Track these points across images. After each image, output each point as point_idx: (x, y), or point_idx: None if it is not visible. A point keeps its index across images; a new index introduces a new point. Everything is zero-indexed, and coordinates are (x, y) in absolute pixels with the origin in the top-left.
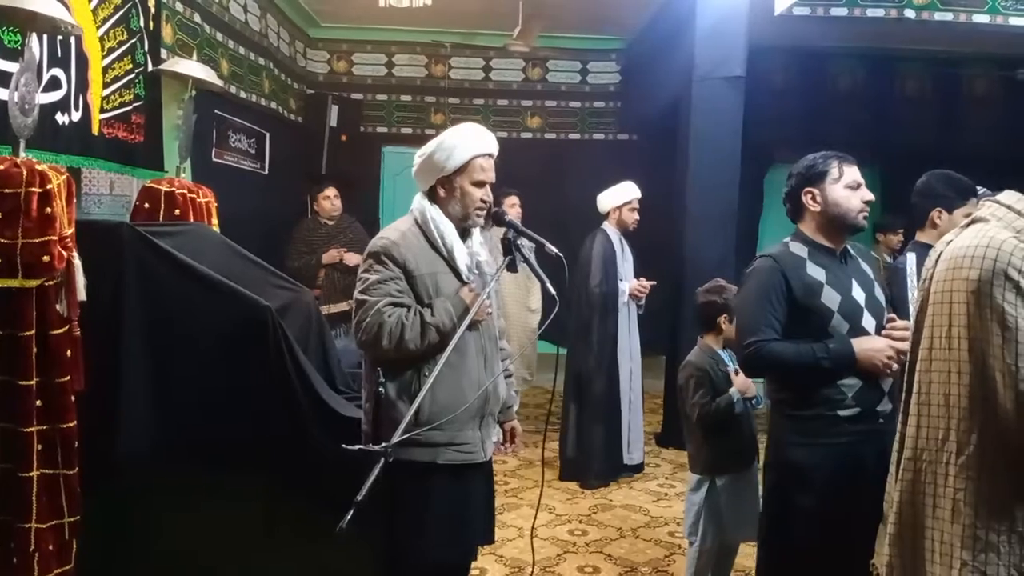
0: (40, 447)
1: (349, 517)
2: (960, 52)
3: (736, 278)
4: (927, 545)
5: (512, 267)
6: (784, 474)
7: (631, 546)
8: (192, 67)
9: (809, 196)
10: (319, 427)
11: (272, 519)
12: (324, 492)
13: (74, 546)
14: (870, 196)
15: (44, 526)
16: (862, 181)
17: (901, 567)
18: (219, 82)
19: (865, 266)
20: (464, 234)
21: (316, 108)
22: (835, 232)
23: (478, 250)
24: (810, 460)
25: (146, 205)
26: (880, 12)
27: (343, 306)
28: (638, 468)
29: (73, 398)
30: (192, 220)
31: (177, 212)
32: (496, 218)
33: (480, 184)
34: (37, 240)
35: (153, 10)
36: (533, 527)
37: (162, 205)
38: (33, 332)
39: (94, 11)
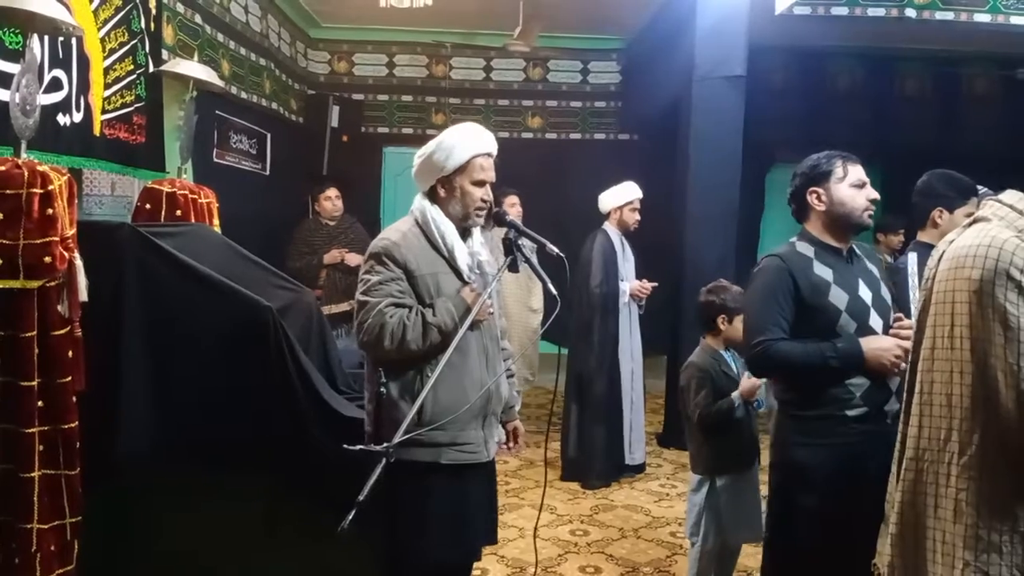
0: (42, 448)
1: (351, 517)
2: (961, 51)
3: (736, 278)
4: (929, 545)
5: (513, 267)
6: (789, 474)
7: (633, 546)
8: (193, 68)
9: (814, 195)
10: (320, 427)
11: (273, 519)
12: (325, 492)
13: (76, 546)
14: (875, 195)
15: (46, 527)
16: (867, 180)
17: (903, 567)
18: (220, 83)
19: (871, 266)
20: (465, 234)
21: (317, 108)
22: (841, 231)
23: (479, 250)
24: (815, 460)
25: (147, 206)
26: (881, 11)
27: (344, 306)
28: (640, 468)
29: (74, 399)
30: (193, 221)
31: (178, 213)
32: (497, 218)
33: (480, 183)
34: (39, 241)
35: (154, 11)
36: (536, 527)
37: (163, 206)
38: (35, 333)
39: (95, 12)
